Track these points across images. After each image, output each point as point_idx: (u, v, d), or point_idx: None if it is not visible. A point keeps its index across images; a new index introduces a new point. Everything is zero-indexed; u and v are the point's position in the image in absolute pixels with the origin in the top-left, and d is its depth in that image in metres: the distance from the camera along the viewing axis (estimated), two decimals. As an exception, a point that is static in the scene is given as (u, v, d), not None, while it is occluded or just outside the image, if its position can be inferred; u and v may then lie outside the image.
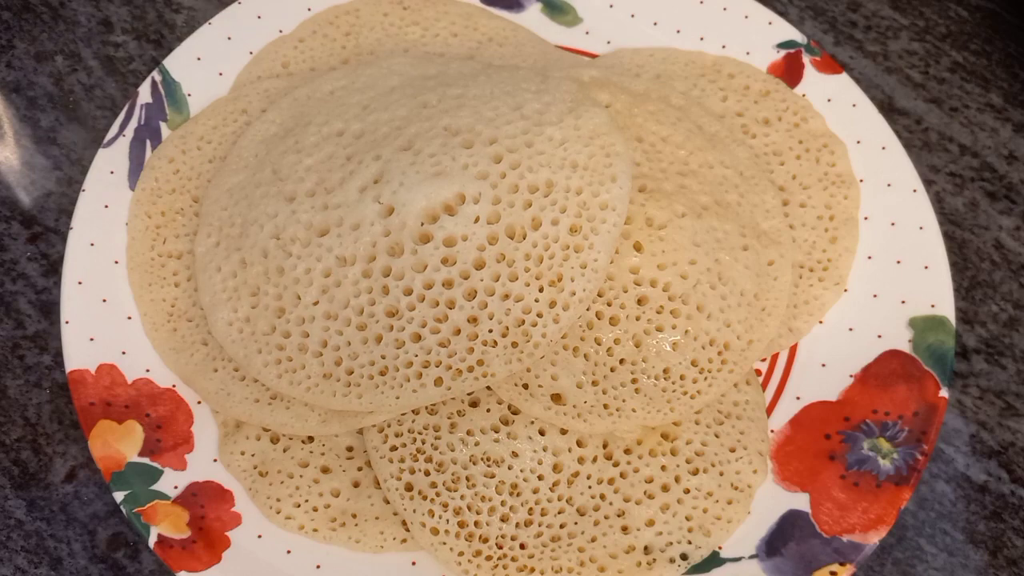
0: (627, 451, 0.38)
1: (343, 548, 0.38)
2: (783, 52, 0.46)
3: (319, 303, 0.38)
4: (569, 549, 0.37)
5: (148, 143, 0.45)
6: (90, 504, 0.41)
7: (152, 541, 0.37)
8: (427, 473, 0.38)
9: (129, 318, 0.42)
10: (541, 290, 0.37)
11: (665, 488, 0.38)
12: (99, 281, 0.42)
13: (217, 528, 0.38)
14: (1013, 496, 0.41)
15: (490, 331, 0.37)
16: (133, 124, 0.45)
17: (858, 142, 0.44)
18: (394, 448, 0.38)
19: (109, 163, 0.44)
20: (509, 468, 0.37)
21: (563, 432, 0.38)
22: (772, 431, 0.40)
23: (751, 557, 0.37)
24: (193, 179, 0.44)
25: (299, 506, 0.38)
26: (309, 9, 0.48)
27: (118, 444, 0.39)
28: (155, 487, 0.38)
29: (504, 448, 0.38)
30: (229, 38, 0.47)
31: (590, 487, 0.38)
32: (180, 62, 0.46)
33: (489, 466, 0.37)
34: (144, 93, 0.45)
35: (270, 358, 0.39)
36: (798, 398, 0.40)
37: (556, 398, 0.38)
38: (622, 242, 0.39)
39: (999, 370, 0.43)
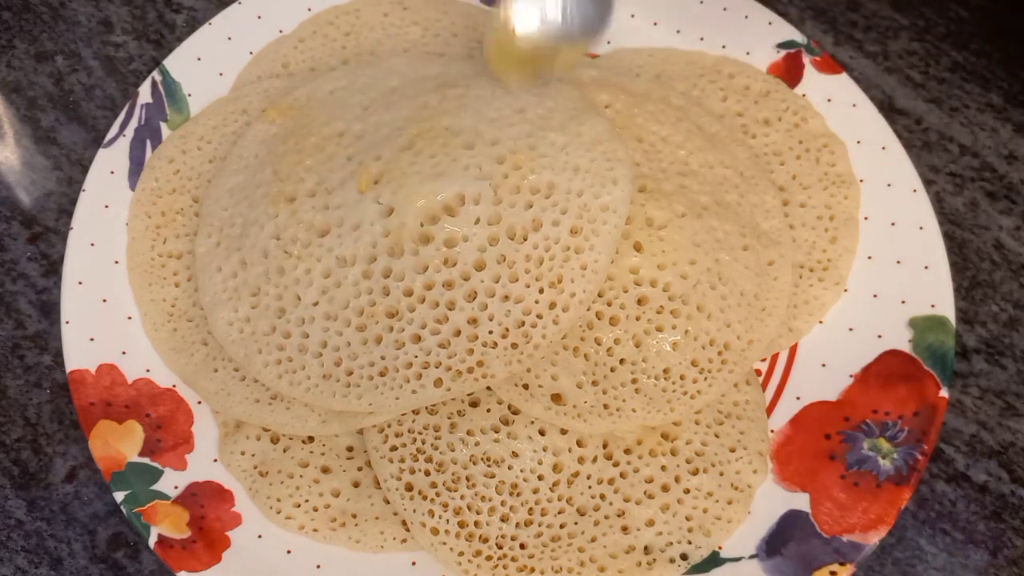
0: (627, 451, 0.38)
1: (343, 548, 0.38)
2: (783, 52, 0.46)
3: (319, 304, 0.38)
4: (569, 549, 0.37)
5: (148, 143, 0.45)
6: (90, 504, 0.41)
7: (152, 541, 0.37)
8: (427, 473, 0.38)
9: (129, 318, 0.42)
10: (541, 291, 0.37)
11: (665, 488, 0.38)
12: (99, 281, 0.42)
13: (217, 528, 0.38)
14: (1013, 496, 0.41)
15: (490, 332, 0.37)
16: (133, 124, 0.45)
17: (858, 142, 0.44)
18: (394, 448, 0.38)
19: (109, 163, 0.44)
20: (509, 468, 0.37)
21: (563, 432, 0.38)
22: (772, 431, 0.40)
23: (751, 557, 0.37)
24: (193, 179, 0.44)
25: (299, 506, 0.38)
26: (309, 9, 0.48)
27: (118, 444, 0.39)
28: (155, 487, 0.38)
29: (504, 448, 0.38)
30: (229, 38, 0.47)
31: (590, 487, 0.38)
32: (180, 62, 0.46)
33: (489, 466, 0.37)
34: (144, 93, 0.45)
35: (270, 358, 0.39)
36: (798, 398, 0.40)
37: (556, 398, 0.38)
38: (622, 242, 0.39)
39: (999, 370, 0.43)
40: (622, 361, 0.39)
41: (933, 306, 0.40)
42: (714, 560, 0.37)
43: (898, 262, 0.41)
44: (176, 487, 0.39)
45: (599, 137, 0.40)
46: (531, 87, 0.41)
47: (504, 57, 0.39)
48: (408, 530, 0.38)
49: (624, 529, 0.37)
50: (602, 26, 0.39)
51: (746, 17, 0.47)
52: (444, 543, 0.37)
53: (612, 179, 0.39)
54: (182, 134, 0.45)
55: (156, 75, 0.46)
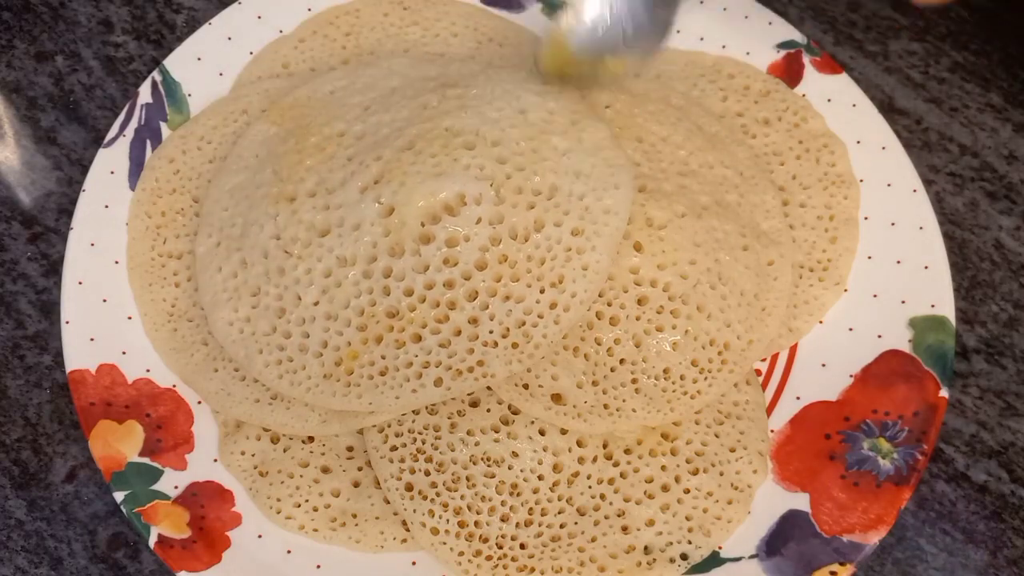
0: (627, 451, 0.38)
1: (343, 548, 0.38)
2: (783, 52, 0.46)
3: (320, 303, 0.38)
4: (569, 549, 0.37)
5: (148, 143, 0.45)
6: (90, 504, 0.41)
7: (152, 541, 0.37)
8: (427, 473, 0.38)
9: (129, 318, 0.42)
10: (542, 291, 0.37)
11: (665, 488, 0.38)
12: (99, 281, 0.42)
13: (217, 528, 0.38)
14: (1013, 496, 0.41)
15: (491, 332, 0.37)
16: (133, 124, 0.45)
17: (858, 142, 0.44)
18: (394, 448, 0.38)
19: (109, 163, 0.44)
20: (509, 468, 0.37)
21: (563, 432, 0.38)
22: (772, 431, 0.40)
23: (751, 557, 0.37)
24: (193, 179, 0.44)
25: (299, 506, 0.38)
26: (309, 9, 0.48)
27: (118, 444, 0.39)
28: (155, 487, 0.38)
29: (504, 448, 0.38)
30: (229, 38, 0.47)
31: (590, 487, 0.38)
32: (180, 62, 0.46)
33: (489, 466, 0.37)
34: (144, 93, 0.45)
35: (271, 358, 0.39)
36: (798, 398, 0.40)
37: (556, 398, 0.38)
38: (622, 242, 0.39)
39: (999, 370, 0.43)
40: (622, 361, 0.39)
41: (933, 306, 0.40)
42: (714, 560, 0.37)
43: (898, 262, 0.41)
44: (176, 487, 0.39)
45: (600, 143, 0.40)
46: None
47: (557, 64, 0.40)
48: (408, 530, 0.38)
49: (624, 529, 0.37)
50: (660, 42, 0.40)
51: (746, 17, 0.47)
52: (444, 543, 0.37)
53: (614, 183, 0.39)
54: (182, 134, 0.45)
55: (156, 75, 0.46)
